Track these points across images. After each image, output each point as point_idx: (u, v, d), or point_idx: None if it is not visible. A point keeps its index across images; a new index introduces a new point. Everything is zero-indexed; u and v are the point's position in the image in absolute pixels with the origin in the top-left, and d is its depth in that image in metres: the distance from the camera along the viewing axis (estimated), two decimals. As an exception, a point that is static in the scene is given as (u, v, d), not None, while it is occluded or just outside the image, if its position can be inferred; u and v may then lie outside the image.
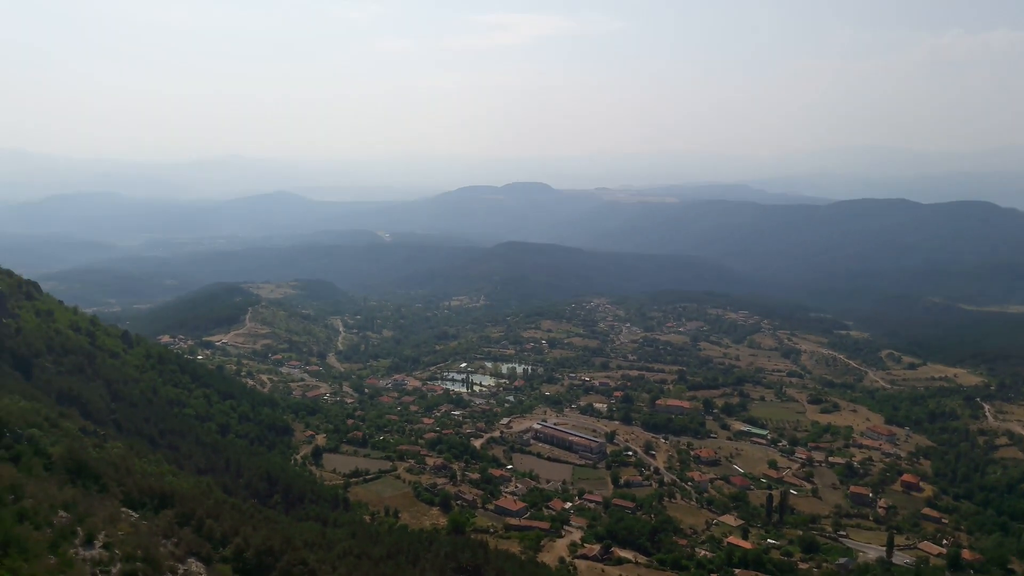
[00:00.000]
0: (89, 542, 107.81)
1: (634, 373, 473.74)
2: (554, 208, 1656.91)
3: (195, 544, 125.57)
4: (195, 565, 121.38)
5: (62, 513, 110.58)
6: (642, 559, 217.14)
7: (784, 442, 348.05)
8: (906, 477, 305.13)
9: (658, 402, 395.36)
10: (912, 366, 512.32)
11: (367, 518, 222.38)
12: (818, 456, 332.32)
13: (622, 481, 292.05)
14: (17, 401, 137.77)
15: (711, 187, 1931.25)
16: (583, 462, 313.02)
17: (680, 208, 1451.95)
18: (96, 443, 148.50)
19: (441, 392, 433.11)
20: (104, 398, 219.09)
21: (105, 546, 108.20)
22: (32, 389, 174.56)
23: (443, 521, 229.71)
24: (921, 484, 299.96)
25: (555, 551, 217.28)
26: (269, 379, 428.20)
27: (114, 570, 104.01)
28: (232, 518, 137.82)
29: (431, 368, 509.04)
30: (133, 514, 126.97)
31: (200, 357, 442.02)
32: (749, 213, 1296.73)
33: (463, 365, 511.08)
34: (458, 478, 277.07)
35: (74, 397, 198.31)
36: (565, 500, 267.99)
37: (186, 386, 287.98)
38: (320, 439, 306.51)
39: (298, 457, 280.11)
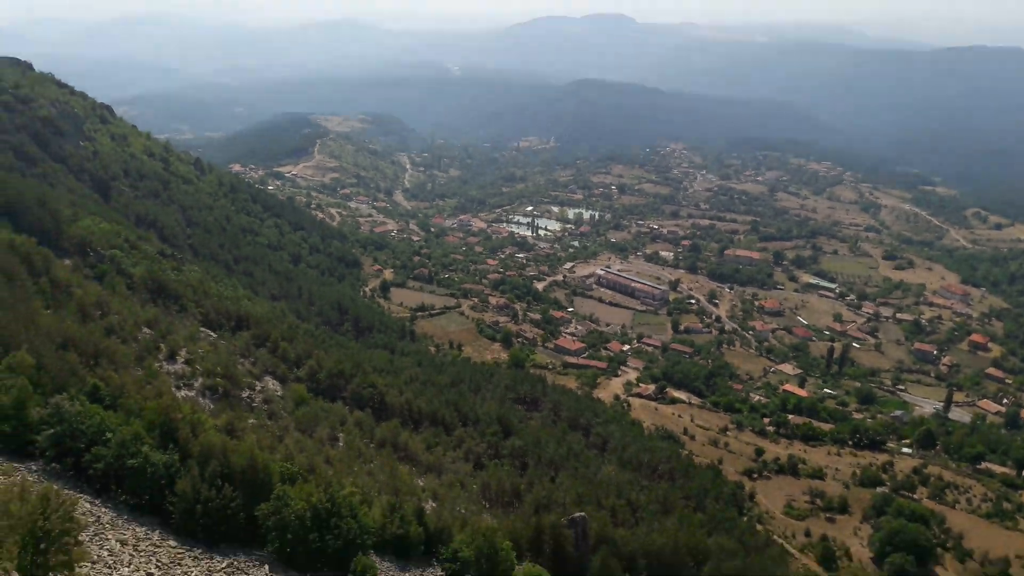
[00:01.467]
0: (172, 357, 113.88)
1: (705, 222, 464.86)
2: (635, 44, 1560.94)
3: (271, 364, 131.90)
4: (271, 383, 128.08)
5: (146, 329, 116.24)
6: (696, 400, 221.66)
7: (852, 296, 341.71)
8: (975, 337, 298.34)
9: (727, 252, 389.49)
10: (998, 226, 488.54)
11: (432, 349, 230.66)
12: (886, 312, 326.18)
13: (682, 327, 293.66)
14: (98, 223, 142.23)
15: (808, 27, 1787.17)
16: (644, 308, 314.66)
17: (771, 49, 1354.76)
18: (174, 266, 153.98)
19: (506, 234, 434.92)
20: (180, 223, 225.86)
21: (187, 361, 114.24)
22: (111, 212, 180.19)
23: (504, 356, 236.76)
24: (989, 344, 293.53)
25: (610, 389, 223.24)
26: (338, 213, 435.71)
27: (196, 384, 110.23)
28: (305, 342, 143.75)
29: (497, 210, 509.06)
30: (212, 334, 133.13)
31: (271, 188, 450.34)
32: (844, 57, 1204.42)
33: (529, 208, 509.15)
34: (520, 317, 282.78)
35: (151, 221, 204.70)
36: (623, 343, 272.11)
37: (258, 215, 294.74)
38: (388, 274, 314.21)
39: (367, 290, 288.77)
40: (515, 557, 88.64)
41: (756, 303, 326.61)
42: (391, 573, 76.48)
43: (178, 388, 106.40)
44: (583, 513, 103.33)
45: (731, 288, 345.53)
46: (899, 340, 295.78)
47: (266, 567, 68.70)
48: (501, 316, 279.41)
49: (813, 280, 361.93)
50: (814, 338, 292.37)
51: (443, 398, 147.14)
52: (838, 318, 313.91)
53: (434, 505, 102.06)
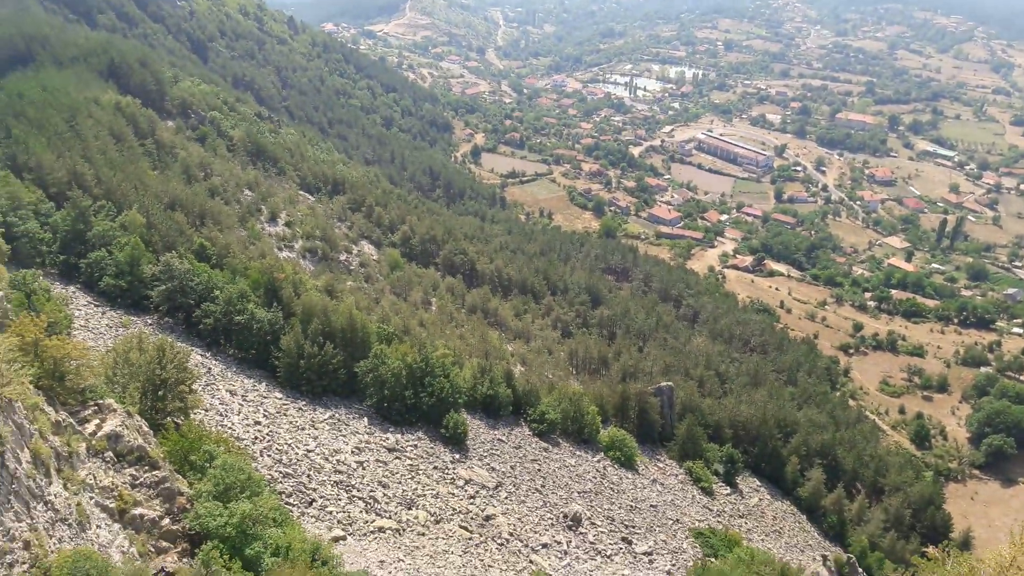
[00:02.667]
0: (273, 219, 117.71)
1: (816, 83, 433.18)
2: None
3: (366, 229, 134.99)
4: (367, 247, 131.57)
5: (247, 191, 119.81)
6: (795, 273, 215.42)
7: (972, 166, 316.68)
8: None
9: (838, 116, 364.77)
10: None
11: (522, 217, 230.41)
12: (1008, 183, 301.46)
13: (785, 196, 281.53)
14: (198, 84, 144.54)
15: None
16: (746, 175, 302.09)
17: None
18: (272, 128, 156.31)
19: (602, 96, 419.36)
20: (275, 85, 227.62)
21: (287, 224, 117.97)
22: (209, 73, 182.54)
23: (595, 225, 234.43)
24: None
25: (705, 260, 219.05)
26: (429, 73, 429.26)
27: (296, 246, 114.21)
28: (399, 207, 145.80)
29: (593, 69, 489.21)
30: (309, 197, 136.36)
31: (362, 47, 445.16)
32: None
33: (627, 67, 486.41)
34: (613, 185, 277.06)
35: (248, 83, 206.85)
36: (721, 212, 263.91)
37: (351, 77, 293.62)
38: (479, 138, 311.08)
39: (458, 155, 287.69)
40: (600, 421, 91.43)
41: (866, 171, 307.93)
42: (480, 430, 79.98)
43: (280, 249, 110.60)
44: (670, 383, 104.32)
45: (840, 155, 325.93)
46: (1020, 213, 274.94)
47: (365, 420, 72.88)
48: (594, 183, 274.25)
49: (930, 147, 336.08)
50: (926, 210, 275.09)
51: (532, 266, 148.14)
52: (954, 189, 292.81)
53: (522, 369, 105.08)
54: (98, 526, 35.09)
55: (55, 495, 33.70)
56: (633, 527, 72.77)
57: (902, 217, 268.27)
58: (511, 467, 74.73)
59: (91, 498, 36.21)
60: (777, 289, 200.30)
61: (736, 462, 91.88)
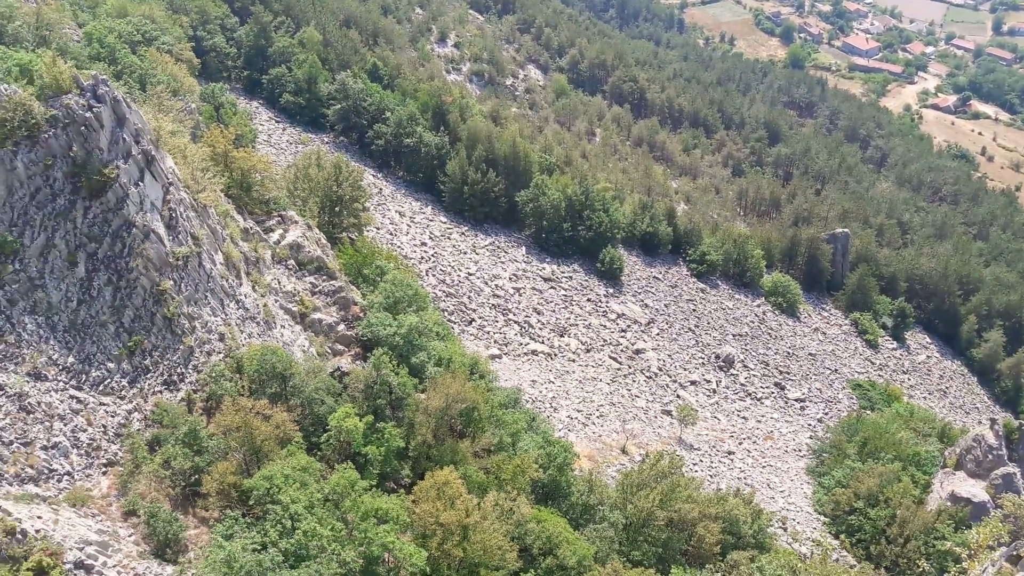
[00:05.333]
0: (442, 39, 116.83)
1: None
2: None
3: (534, 51, 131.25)
4: (533, 72, 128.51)
5: (418, 10, 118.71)
6: (1004, 116, 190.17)
7: None
8: None
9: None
10: None
11: (700, 42, 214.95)
12: None
13: (1005, 28, 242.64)
14: None
15: None
16: (962, 1, 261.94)
17: None
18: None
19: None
20: None
21: (456, 45, 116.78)
22: None
23: (781, 54, 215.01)
24: None
25: (902, 97, 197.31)
26: None
27: (464, 68, 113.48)
28: (569, 29, 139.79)
29: None
30: (479, 16, 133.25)
31: None
32: None
33: None
34: (806, 8, 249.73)
35: None
36: (927, 44, 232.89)
37: None
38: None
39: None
40: (764, 265, 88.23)
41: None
42: (637, 266, 79.60)
43: (448, 72, 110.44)
44: (846, 229, 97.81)
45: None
46: None
47: (523, 249, 74.38)
48: (783, 6, 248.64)
49: None
50: None
51: (707, 97, 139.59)
52: None
53: (686, 207, 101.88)
54: (282, 326, 38.75)
55: (245, 295, 37.26)
56: (787, 373, 71.68)
57: None
58: (665, 305, 74.65)
59: (276, 301, 39.78)
60: (980, 133, 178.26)
61: (907, 317, 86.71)
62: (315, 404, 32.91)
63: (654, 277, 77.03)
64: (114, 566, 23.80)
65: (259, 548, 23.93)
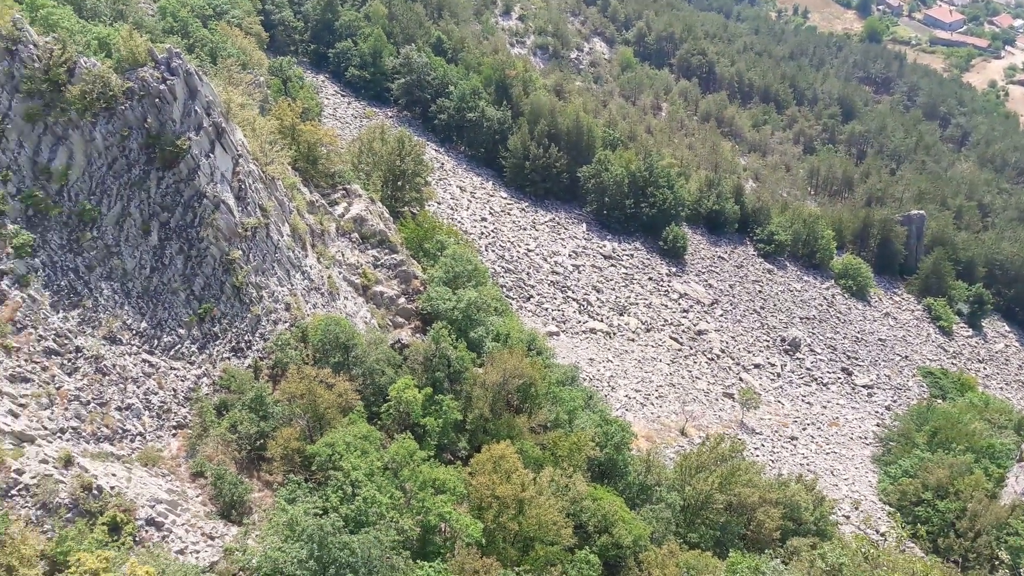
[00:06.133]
0: (507, 12, 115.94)
1: None
2: None
3: (600, 24, 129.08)
4: (599, 44, 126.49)
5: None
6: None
7: None
8: None
9: None
10: None
11: (772, 15, 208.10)
12: None
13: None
14: None
15: None
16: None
17: None
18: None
19: None
20: None
21: (520, 18, 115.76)
22: None
23: (857, 27, 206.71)
24: None
25: (986, 73, 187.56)
26: None
27: (528, 42, 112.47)
28: (636, 1, 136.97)
29: None
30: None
31: None
32: None
33: None
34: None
35: None
36: (1015, 16, 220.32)
37: None
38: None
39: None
40: (835, 247, 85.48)
41: None
42: (701, 245, 78.07)
43: (512, 45, 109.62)
44: (922, 211, 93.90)
45: None
46: None
47: (583, 225, 73.69)
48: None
49: None
50: None
51: (779, 72, 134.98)
52: None
53: (754, 185, 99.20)
54: (345, 298, 39.35)
55: (310, 267, 37.92)
56: (856, 358, 69.55)
57: None
58: (729, 286, 73.10)
59: (339, 273, 40.39)
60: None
61: (985, 303, 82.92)
62: (376, 374, 33.40)
63: (719, 257, 75.52)
64: (183, 524, 24.71)
65: (320, 512, 24.51)
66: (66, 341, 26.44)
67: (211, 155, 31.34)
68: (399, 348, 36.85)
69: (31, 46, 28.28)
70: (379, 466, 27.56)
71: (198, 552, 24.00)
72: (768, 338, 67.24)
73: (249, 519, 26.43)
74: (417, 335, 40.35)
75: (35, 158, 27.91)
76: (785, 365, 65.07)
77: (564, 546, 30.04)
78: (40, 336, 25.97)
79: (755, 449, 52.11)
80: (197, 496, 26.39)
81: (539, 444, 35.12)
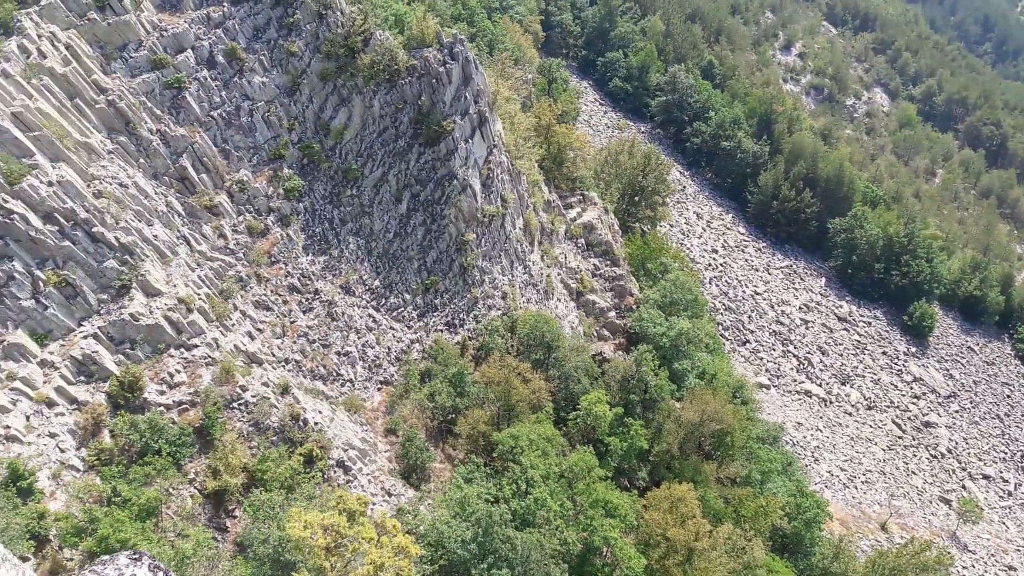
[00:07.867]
0: (787, 48, 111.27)
1: None
2: None
3: (885, 75, 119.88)
4: (879, 96, 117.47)
5: (769, 14, 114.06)
6: None
7: None
8: None
9: None
10: None
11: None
12: None
13: None
14: None
15: None
16: None
17: None
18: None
19: None
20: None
21: (800, 55, 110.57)
22: None
23: None
24: None
25: None
26: None
27: (803, 80, 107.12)
28: (931, 57, 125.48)
29: None
30: (832, 29, 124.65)
31: None
32: None
33: None
34: None
35: None
36: None
37: None
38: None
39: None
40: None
41: None
42: (950, 330, 69.82)
43: (785, 81, 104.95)
44: None
45: None
46: None
47: (822, 280, 68.76)
48: None
49: None
50: None
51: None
52: None
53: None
54: (558, 299, 39.70)
55: (533, 263, 38.69)
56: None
57: None
58: (974, 381, 64.67)
59: (558, 274, 40.84)
60: None
61: None
62: (572, 381, 33.36)
63: (968, 347, 67.23)
64: (368, 474, 26.20)
65: (492, 500, 24.83)
66: (308, 282, 29.05)
67: (470, 140, 32.88)
68: (599, 361, 36.54)
69: (339, 12, 31.24)
70: (556, 471, 27.46)
71: (375, 504, 25.28)
72: (1007, 449, 58.75)
73: (426, 486, 27.46)
74: (619, 352, 39.77)
75: (319, 114, 30.90)
76: (1021, 485, 56.48)
77: (724, 610, 28.13)
78: (288, 273, 28.75)
79: (963, 568, 45.75)
80: (386, 452, 27.87)
81: (723, 497, 33.23)
